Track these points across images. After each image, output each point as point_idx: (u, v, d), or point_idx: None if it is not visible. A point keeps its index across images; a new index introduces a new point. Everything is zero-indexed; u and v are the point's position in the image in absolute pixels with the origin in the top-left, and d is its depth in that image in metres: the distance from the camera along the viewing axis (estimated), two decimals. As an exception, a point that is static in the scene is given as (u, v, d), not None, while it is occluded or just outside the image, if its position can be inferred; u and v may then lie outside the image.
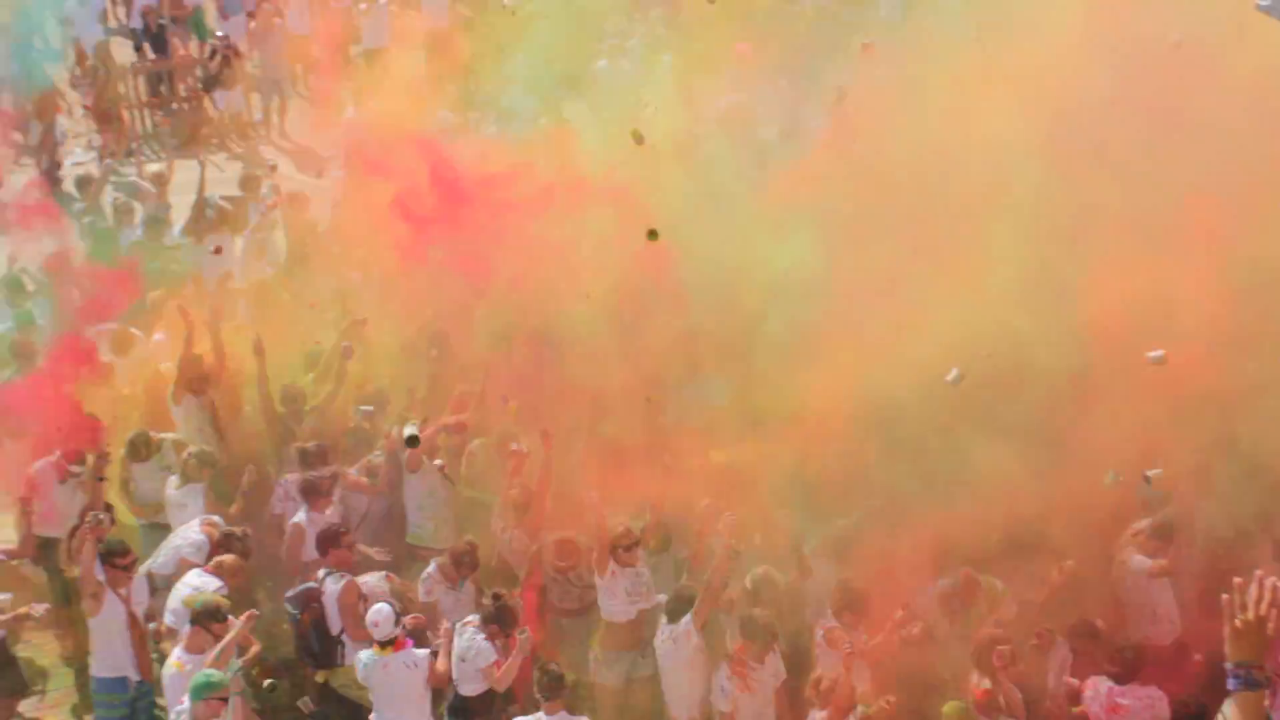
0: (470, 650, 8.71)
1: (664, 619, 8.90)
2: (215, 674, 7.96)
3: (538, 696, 8.37)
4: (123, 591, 8.97)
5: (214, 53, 20.05)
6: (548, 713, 8.26)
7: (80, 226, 14.32)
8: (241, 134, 20.78)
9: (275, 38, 20.49)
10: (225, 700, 7.90)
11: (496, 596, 8.91)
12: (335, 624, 9.17)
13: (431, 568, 9.52)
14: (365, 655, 8.64)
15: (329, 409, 10.89)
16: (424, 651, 8.71)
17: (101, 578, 8.89)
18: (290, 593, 9.34)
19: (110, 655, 9.06)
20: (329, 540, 9.32)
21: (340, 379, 10.93)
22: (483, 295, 11.43)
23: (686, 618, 8.71)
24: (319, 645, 9.22)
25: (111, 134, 19.15)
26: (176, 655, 8.52)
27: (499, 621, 8.76)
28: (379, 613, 8.55)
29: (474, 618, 8.92)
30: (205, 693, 7.83)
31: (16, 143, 20.18)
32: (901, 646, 8.53)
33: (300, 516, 9.83)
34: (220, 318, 11.11)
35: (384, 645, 8.55)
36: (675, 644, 8.79)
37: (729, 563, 8.64)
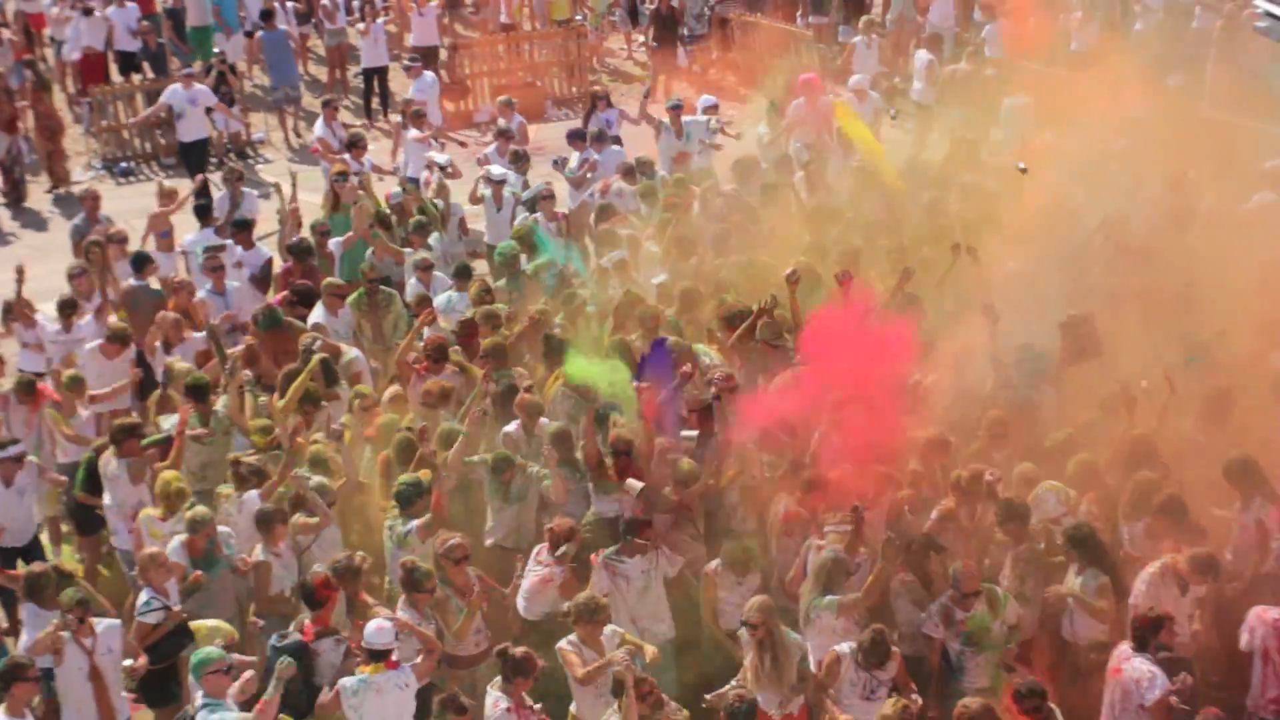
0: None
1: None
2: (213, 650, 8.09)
3: None
4: (86, 642, 8.45)
5: (209, 70, 19.65)
6: None
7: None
8: (240, 153, 20.40)
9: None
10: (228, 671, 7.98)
11: (508, 651, 8.22)
12: (322, 680, 8.69)
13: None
14: (352, 681, 8.12)
15: None
16: (409, 667, 8.24)
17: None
18: (280, 643, 8.71)
19: (75, 710, 8.57)
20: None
21: None
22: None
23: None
24: (304, 698, 8.63)
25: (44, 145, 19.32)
26: None
27: (519, 674, 8.13)
28: (379, 627, 8.16)
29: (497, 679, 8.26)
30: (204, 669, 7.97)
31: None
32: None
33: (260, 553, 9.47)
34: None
35: (375, 660, 8.09)
36: None
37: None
